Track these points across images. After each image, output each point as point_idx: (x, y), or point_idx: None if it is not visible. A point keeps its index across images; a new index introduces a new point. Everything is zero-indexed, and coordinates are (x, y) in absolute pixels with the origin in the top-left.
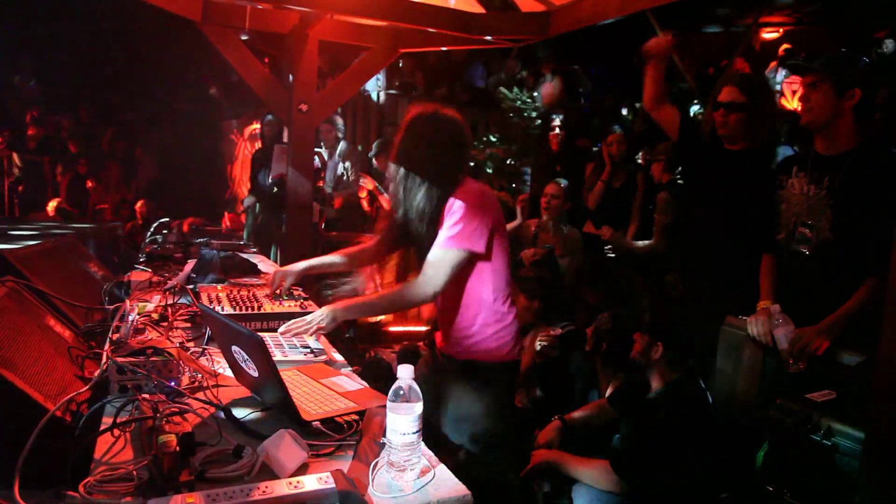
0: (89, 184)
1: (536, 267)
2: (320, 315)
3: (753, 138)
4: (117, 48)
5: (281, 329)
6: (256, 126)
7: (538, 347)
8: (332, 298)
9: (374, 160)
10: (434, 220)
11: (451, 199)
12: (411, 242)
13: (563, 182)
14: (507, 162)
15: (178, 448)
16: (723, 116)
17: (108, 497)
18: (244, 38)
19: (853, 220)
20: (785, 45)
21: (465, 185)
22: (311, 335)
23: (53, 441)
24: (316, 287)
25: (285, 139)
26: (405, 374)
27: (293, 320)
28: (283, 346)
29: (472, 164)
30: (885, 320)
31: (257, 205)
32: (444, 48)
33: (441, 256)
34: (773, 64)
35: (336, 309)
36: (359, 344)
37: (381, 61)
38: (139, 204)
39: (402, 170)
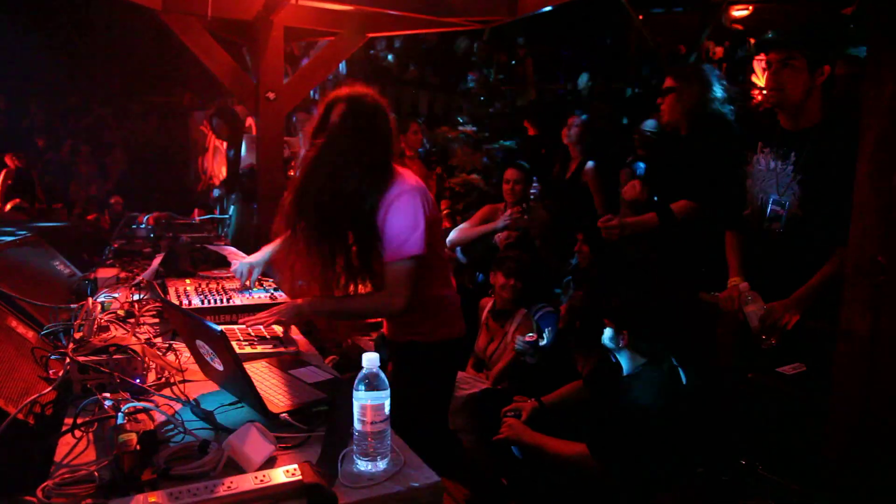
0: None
1: (512, 248)
2: (286, 308)
3: (688, 123)
4: (79, 41)
5: (249, 322)
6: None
7: (517, 347)
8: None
9: None
10: (369, 213)
11: (390, 198)
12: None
13: (523, 165)
14: (479, 144)
15: (139, 446)
16: (660, 102)
17: (67, 500)
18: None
19: (822, 195)
20: (735, 27)
21: (399, 179)
22: (269, 325)
23: (18, 445)
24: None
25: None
26: (371, 362)
27: (259, 313)
28: (253, 339)
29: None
30: (845, 291)
31: (230, 196)
32: (412, 31)
33: (400, 269)
34: (753, 41)
35: (303, 304)
36: (332, 332)
37: (349, 46)
38: (114, 199)
39: (327, 156)
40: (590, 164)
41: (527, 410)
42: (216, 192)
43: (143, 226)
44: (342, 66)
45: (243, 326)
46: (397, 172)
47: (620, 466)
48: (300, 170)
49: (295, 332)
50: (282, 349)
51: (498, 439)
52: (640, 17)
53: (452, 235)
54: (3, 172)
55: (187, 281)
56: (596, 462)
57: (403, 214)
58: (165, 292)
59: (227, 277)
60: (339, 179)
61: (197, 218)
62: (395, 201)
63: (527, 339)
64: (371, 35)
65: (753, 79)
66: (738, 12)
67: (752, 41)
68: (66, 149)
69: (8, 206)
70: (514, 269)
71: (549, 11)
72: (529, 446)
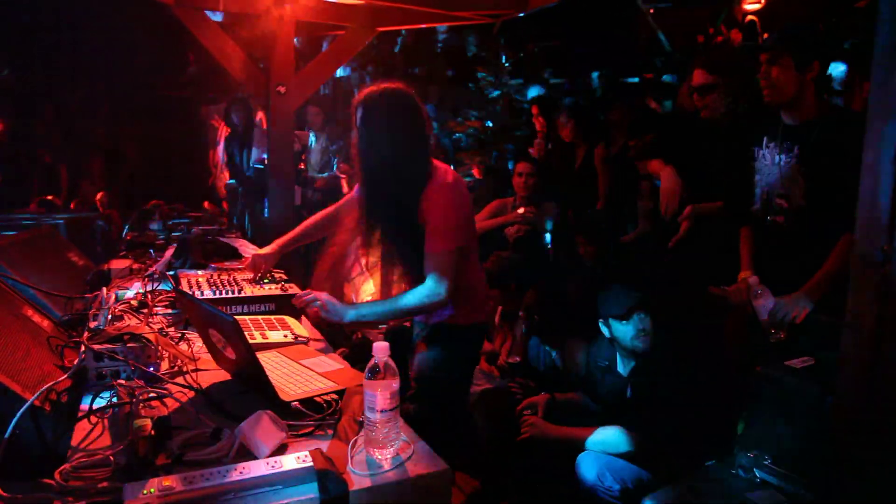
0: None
1: (501, 261)
2: (333, 306)
3: (735, 110)
4: (91, 36)
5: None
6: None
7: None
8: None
9: None
10: (410, 210)
11: (430, 192)
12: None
13: (534, 159)
14: (484, 136)
15: (153, 432)
16: (700, 100)
17: (84, 483)
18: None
19: (826, 185)
20: (749, 17)
21: (437, 174)
22: (313, 317)
23: (34, 431)
24: (301, 270)
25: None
26: (381, 351)
27: (310, 293)
28: (264, 328)
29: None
30: (851, 281)
31: (239, 189)
32: (422, 25)
33: (441, 260)
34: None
35: (349, 311)
36: (346, 326)
37: (358, 41)
38: (99, 195)
39: (369, 155)
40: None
41: (542, 405)
42: (228, 185)
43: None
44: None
45: (255, 317)
46: (435, 165)
47: (652, 440)
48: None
49: (306, 324)
50: (293, 340)
51: (522, 439)
52: (651, 11)
53: None
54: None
55: (199, 272)
56: (629, 438)
57: (445, 206)
58: (178, 283)
59: (239, 269)
60: (378, 174)
61: (207, 210)
62: (437, 193)
63: (510, 360)
64: (380, 29)
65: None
66: (751, 5)
67: (766, 35)
68: (76, 144)
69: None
70: (495, 279)
71: (559, 6)
72: (556, 439)
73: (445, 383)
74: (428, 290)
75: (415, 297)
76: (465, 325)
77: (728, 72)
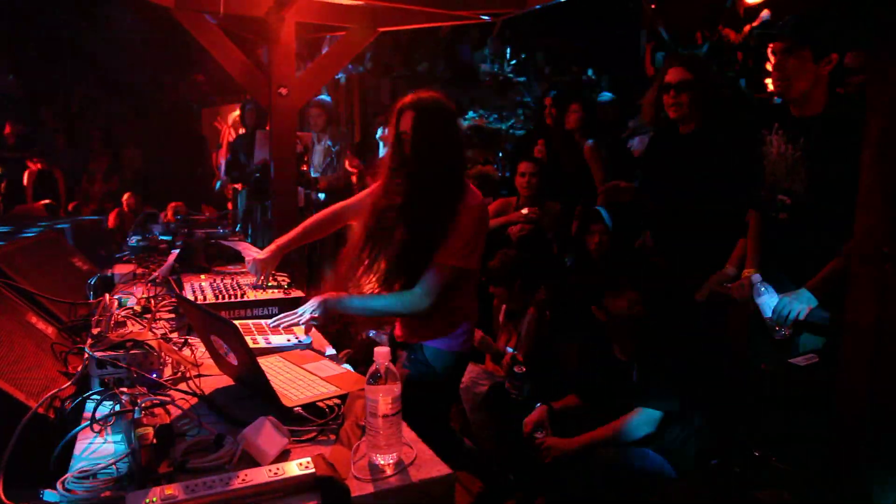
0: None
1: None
2: (311, 306)
3: (704, 117)
4: (93, 39)
5: (272, 322)
6: (238, 112)
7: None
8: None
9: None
10: (441, 227)
11: (466, 207)
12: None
13: (537, 158)
14: (485, 135)
15: (155, 440)
16: (674, 98)
17: (86, 492)
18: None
19: (829, 181)
20: (765, 11)
21: (469, 192)
22: (302, 325)
23: (38, 439)
24: (304, 271)
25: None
26: (382, 356)
27: (284, 313)
28: (267, 333)
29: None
30: (850, 281)
31: (243, 191)
32: (423, 25)
33: (441, 273)
34: (748, 28)
35: (327, 299)
36: (351, 327)
37: (359, 41)
38: (125, 196)
39: (403, 164)
40: (589, 141)
41: (547, 421)
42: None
43: (160, 223)
44: None
45: (259, 321)
46: (467, 182)
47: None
48: (381, 177)
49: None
50: (296, 343)
51: (547, 462)
52: (653, 7)
53: None
54: (27, 174)
55: (202, 277)
56: (651, 416)
57: (468, 225)
58: (181, 288)
59: (242, 273)
60: (416, 185)
61: (206, 214)
62: (470, 212)
63: (516, 369)
64: (382, 29)
65: (768, 66)
66: None
67: (748, 28)
68: (96, 138)
69: (39, 204)
70: (501, 277)
71: (561, 3)
72: (578, 450)
73: (420, 407)
74: (413, 295)
75: (394, 299)
76: (442, 349)
77: (703, 70)
